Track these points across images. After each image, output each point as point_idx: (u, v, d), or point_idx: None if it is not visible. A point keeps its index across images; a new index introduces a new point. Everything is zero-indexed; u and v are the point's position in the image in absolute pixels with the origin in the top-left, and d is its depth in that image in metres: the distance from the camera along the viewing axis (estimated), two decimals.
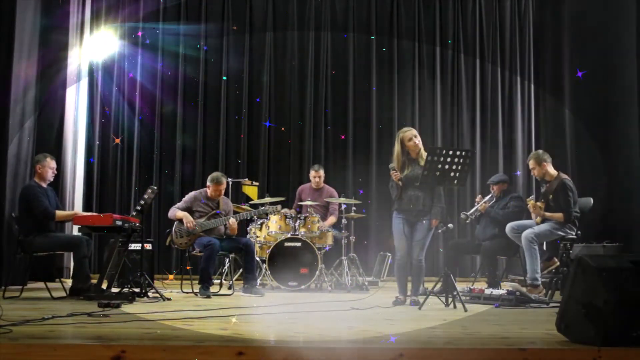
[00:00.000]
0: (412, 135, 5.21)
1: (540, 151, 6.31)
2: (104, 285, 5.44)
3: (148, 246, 6.52)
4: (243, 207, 7.31)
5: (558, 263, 6.03)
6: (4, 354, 2.86)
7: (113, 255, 5.52)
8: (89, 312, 4.25)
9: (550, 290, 5.76)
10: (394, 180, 5.13)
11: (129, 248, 6.13)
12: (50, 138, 7.24)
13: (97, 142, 8.31)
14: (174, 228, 6.21)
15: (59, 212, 5.70)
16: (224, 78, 8.54)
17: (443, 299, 4.92)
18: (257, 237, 6.83)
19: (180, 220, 6.15)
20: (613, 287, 3.09)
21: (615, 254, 6.15)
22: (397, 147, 5.23)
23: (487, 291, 5.37)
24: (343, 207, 7.08)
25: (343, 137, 8.59)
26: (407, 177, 5.13)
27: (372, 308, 4.91)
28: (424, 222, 5.15)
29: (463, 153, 4.98)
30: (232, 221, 6.24)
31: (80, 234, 6.16)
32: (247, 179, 7.78)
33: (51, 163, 5.82)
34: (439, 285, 5.22)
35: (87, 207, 7.97)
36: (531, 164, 6.15)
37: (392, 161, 5.25)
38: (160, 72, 8.49)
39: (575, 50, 7.75)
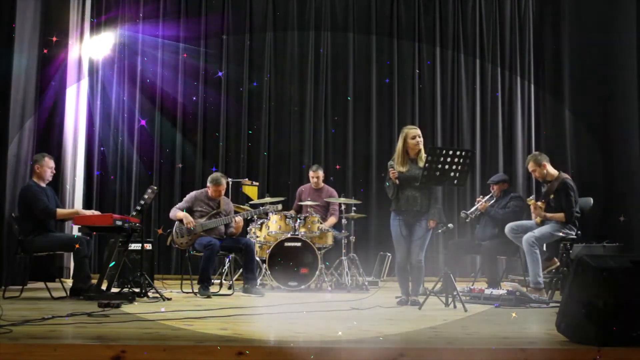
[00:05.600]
0: (416, 133, 5.22)
1: (537, 152, 6.32)
2: (104, 285, 5.44)
3: (148, 246, 6.52)
4: (243, 207, 7.31)
5: (558, 263, 6.03)
6: (4, 354, 2.86)
7: (113, 255, 5.52)
8: (89, 312, 4.25)
9: (550, 290, 5.76)
10: (391, 178, 5.13)
11: (129, 248, 6.12)
12: (50, 138, 7.23)
13: (97, 142, 8.32)
14: (174, 228, 6.22)
15: (60, 210, 5.70)
16: (223, 77, 8.56)
17: (443, 299, 4.92)
18: (257, 237, 6.83)
19: (181, 220, 6.16)
20: (613, 287, 3.09)
21: (615, 254, 6.16)
22: (400, 143, 5.24)
23: (487, 291, 5.37)
24: (342, 207, 7.08)
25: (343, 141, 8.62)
26: (404, 176, 5.13)
27: (372, 308, 4.91)
28: (422, 222, 5.15)
29: (463, 153, 4.98)
30: (239, 219, 6.25)
31: (80, 233, 6.16)
32: (247, 179, 7.78)
33: (49, 162, 5.82)
34: (439, 285, 5.22)
35: (87, 207, 7.94)
36: (531, 166, 6.13)
37: (393, 159, 5.26)
38: (160, 71, 8.49)
39: (575, 50, 7.76)
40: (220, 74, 8.54)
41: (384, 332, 3.61)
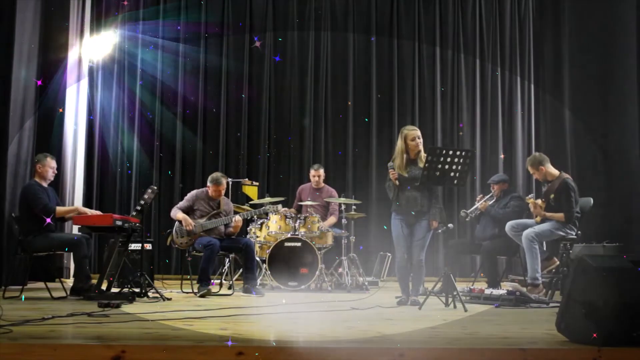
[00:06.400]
0: (415, 135, 5.19)
1: (537, 154, 6.29)
2: (104, 285, 5.44)
3: (148, 246, 6.51)
4: (243, 207, 7.31)
5: (558, 263, 6.03)
6: (4, 354, 2.86)
7: (113, 255, 5.52)
8: (89, 312, 4.25)
9: (550, 290, 5.76)
10: (391, 179, 5.13)
11: (129, 248, 6.12)
12: (50, 138, 7.24)
13: (97, 142, 8.32)
14: (174, 228, 6.21)
15: (59, 208, 5.71)
16: (224, 77, 8.56)
17: (443, 299, 4.92)
18: (257, 237, 6.83)
19: (181, 221, 6.15)
20: (613, 287, 3.09)
21: (615, 254, 6.15)
22: (399, 144, 5.23)
23: (487, 291, 5.37)
24: (342, 207, 7.08)
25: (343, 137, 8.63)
26: (404, 177, 5.13)
27: (372, 308, 4.91)
28: (422, 222, 5.15)
29: (463, 153, 4.97)
30: (238, 218, 6.24)
31: (80, 233, 6.16)
32: (247, 179, 7.78)
33: (51, 162, 5.83)
34: (439, 285, 5.22)
35: (87, 207, 7.93)
36: (532, 167, 6.14)
37: (393, 159, 5.26)
38: (160, 71, 8.50)
39: (575, 50, 7.76)
40: (221, 72, 8.53)
41: (384, 332, 3.61)
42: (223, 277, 6.92)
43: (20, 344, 3.00)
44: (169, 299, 5.45)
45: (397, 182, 5.12)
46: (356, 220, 7.16)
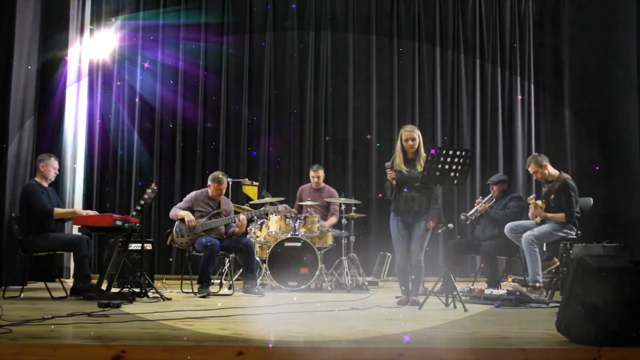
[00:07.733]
0: (409, 137, 5.20)
1: (537, 153, 6.32)
2: (104, 286, 5.44)
3: (148, 246, 6.51)
4: (243, 207, 7.31)
5: (558, 263, 6.03)
6: (4, 354, 2.86)
7: (113, 255, 5.52)
8: (89, 312, 4.26)
9: (550, 290, 5.76)
10: (389, 179, 5.14)
11: (129, 248, 6.12)
12: (50, 138, 7.24)
13: (97, 142, 8.32)
14: (175, 227, 6.21)
15: (57, 210, 5.71)
16: (224, 76, 8.56)
17: (443, 299, 4.92)
18: (257, 237, 6.83)
19: (182, 220, 6.15)
20: (613, 287, 3.09)
21: (615, 254, 6.16)
22: (398, 143, 5.25)
23: (487, 291, 5.37)
24: (343, 207, 7.08)
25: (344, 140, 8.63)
26: (403, 177, 5.14)
27: (373, 308, 4.91)
28: (421, 222, 5.15)
29: (463, 153, 4.97)
30: (242, 217, 6.25)
31: (80, 233, 6.16)
32: (247, 179, 7.78)
33: (54, 163, 5.84)
34: (439, 285, 5.22)
35: (87, 207, 7.93)
36: (532, 168, 6.12)
37: (392, 159, 5.26)
38: (160, 70, 8.49)
39: (575, 50, 7.76)
40: (221, 72, 8.53)
41: (384, 332, 3.61)
42: (223, 277, 6.92)
43: (20, 344, 3.00)
44: (169, 299, 5.45)
45: (394, 182, 5.13)
46: (356, 221, 7.16)
